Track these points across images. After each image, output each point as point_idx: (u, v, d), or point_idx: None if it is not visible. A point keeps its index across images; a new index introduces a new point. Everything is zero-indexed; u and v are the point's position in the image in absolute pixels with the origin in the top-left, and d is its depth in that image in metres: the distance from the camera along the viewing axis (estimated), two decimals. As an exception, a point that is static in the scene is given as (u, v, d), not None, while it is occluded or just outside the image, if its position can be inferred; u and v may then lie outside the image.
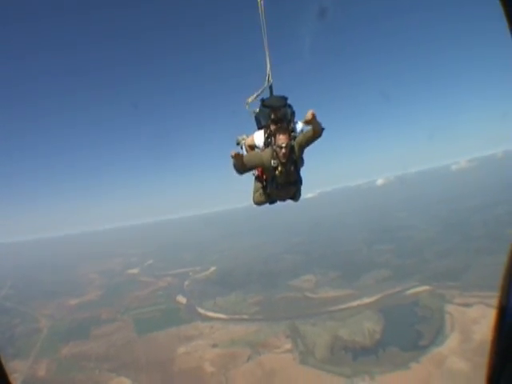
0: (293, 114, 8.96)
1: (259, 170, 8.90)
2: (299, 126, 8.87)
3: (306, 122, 7.89)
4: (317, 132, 7.97)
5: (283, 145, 8.01)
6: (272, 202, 9.28)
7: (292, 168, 8.40)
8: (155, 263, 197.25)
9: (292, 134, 8.38)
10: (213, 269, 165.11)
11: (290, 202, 9.49)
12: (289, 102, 9.01)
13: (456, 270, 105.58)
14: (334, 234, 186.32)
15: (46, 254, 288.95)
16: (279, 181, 8.50)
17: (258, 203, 9.43)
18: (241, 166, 8.30)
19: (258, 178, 9.22)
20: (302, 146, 8.29)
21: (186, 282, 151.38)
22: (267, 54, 8.89)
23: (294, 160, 8.32)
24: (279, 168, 8.27)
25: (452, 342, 74.87)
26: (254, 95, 9.23)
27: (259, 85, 9.20)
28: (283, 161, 8.18)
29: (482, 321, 76.71)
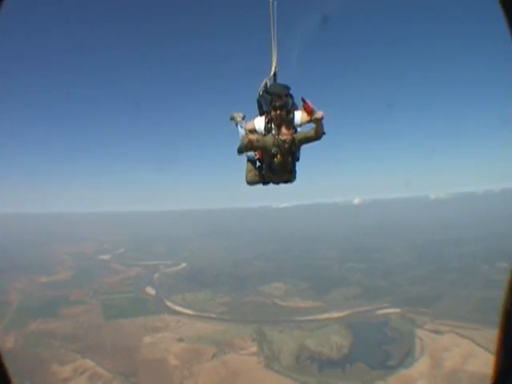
0: (293, 105, 9.25)
1: (259, 152, 9.53)
2: (297, 115, 9.16)
3: (315, 120, 8.46)
4: (318, 134, 8.62)
5: (286, 140, 8.57)
6: (265, 183, 9.83)
7: (290, 158, 8.95)
8: (127, 252, 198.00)
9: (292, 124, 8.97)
10: (184, 265, 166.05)
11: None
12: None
13: (428, 297, 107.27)
14: (306, 247, 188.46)
15: (21, 229, 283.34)
16: (276, 167, 9.03)
17: (251, 182, 10.00)
18: (248, 146, 8.99)
19: (251, 161, 9.97)
20: (301, 143, 8.87)
21: (156, 275, 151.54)
22: (274, 44, 9.43)
23: (292, 151, 8.88)
24: (278, 156, 8.79)
25: (421, 366, 75.31)
26: (262, 85, 9.71)
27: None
28: (284, 153, 8.77)
29: (454, 349, 78.43)
